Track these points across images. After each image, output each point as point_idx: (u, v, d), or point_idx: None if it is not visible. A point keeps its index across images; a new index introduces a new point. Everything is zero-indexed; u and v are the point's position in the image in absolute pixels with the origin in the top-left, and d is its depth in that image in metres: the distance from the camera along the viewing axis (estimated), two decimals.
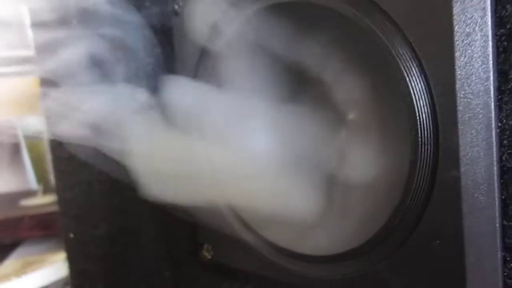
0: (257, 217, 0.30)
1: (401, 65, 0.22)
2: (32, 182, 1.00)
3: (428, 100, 0.22)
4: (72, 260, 0.40)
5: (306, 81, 0.31)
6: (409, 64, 0.22)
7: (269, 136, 0.31)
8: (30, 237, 0.76)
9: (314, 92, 0.31)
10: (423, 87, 0.22)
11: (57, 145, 0.38)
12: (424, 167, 0.23)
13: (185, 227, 0.38)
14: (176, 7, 0.34)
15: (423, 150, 0.22)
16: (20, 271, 0.68)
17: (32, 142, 0.96)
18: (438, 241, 0.23)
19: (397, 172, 0.24)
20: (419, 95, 0.22)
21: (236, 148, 0.31)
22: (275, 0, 0.27)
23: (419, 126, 0.22)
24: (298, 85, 0.31)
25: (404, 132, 0.23)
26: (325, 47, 0.27)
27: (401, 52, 0.22)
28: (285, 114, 0.31)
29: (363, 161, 0.28)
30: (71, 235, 0.39)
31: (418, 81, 0.22)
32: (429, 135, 0.22)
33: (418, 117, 0.22)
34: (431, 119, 0.22)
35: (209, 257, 0.37)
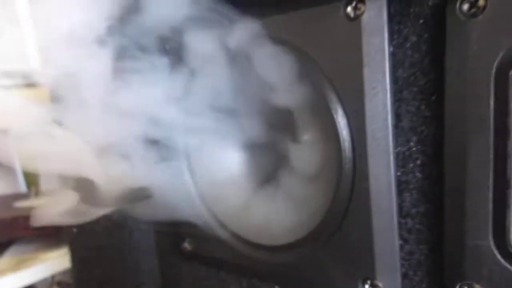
0: (227, 212, 0.38)
1: (331, 107, 0.31)
2: (22, 186, 1.05)
3: (349, 132, 0.31)
4: (74, 250, 0.46)
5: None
6: (336, 106, 0.31)
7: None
8: (23, 236, 0.79)
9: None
10: (345, 123, 0.31)
11: None
12: (346, 180, 0.32)
13: (170, 224, 0.44)
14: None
15: (345, 167, 0.31)
16: (15, 267, 0.72)
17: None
18: (356, 233, 0.32)
19: (329, 183, 0.33)
20: (342, 128, 0.31)
21: None
22: None
23: (342, 150, 0.31)
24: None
25: (334, 154, 0.32)
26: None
27: (330, 97, 0.31)
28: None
29: (307, 175, 0.37)
30: (74, 230, 0.45)
31: (341, 118, 0.31)
32: (349, 156, 0.31)
33: (341, 144, 0.31)
34: (350, 145, 0.31)
35: (190, 248, 0.44)
